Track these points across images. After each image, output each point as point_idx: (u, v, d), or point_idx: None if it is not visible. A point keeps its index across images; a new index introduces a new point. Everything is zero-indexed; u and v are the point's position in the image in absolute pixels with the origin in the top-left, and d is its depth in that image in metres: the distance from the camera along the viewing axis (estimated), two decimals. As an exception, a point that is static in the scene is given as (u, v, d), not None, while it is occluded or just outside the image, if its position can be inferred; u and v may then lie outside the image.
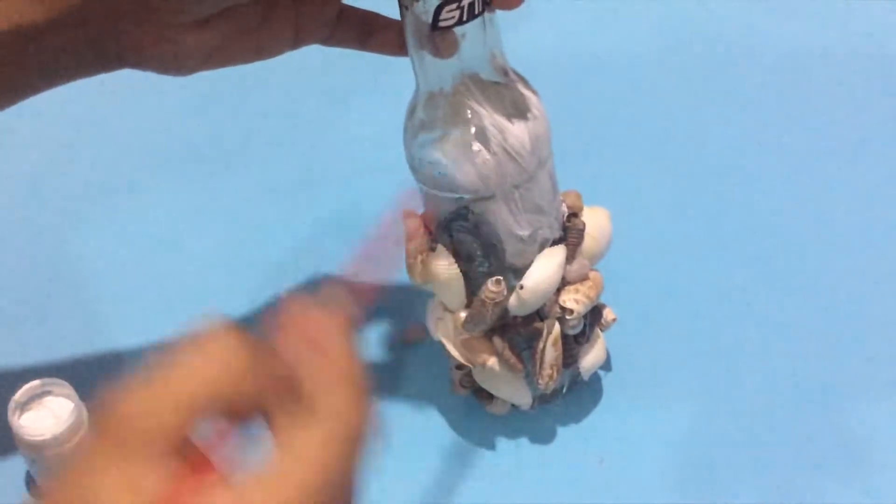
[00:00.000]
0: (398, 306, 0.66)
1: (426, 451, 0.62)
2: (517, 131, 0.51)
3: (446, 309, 0.58)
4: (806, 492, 0.59)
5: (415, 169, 0.54)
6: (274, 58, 0.54)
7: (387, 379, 0.64)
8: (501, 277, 0.55)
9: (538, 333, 0.57)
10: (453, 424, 0.63)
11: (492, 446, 0.61)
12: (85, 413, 0.58)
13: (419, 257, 0.55)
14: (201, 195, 0.75)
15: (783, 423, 0.61)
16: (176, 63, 0.52)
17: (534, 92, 0.53)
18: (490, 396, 0.61)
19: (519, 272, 0.55)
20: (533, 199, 0.53)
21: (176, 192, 0.75)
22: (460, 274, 0.56)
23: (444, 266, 0.55)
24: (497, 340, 0.57)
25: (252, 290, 0.68)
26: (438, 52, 0.49)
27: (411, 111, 0.53)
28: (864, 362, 0.64)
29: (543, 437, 0.62)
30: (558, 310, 0.57)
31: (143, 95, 0.80)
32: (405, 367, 0.65)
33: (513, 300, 0.55)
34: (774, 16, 0.84)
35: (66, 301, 0.69)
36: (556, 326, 0.57)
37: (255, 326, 0.65)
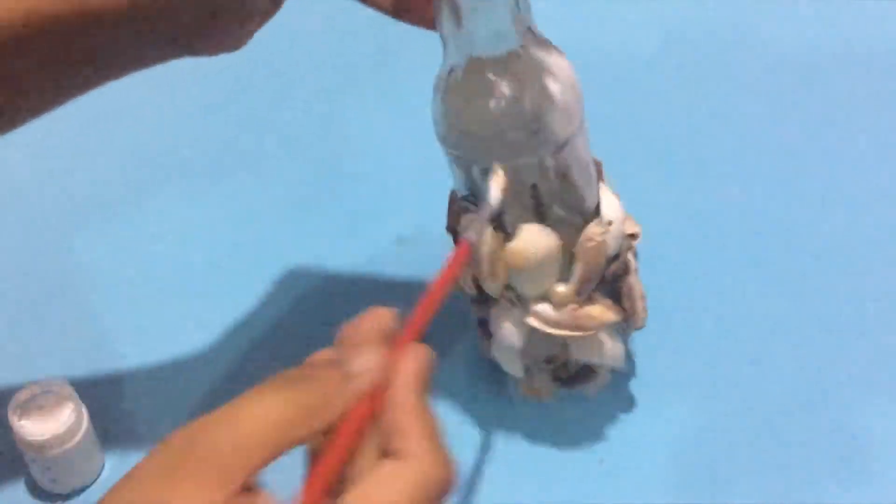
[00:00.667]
0: (397, 306, 0.65)
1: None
2: (554, 89, 0.51)
3: (529, 301, 0.55)
4: (806, 492, 0.58)
5: (448, 139, 0.52)
6: None
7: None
8: (599, 219, 0.54)
9: (621, 272, 0.56)
10: (452, 424, 0.62)
11: (491, 446, 0.61)
12: (85, 413, 0.58)
13: (496, 255, 0.53)
14: (205, 200, 0.75)
15: (783, 423, 0.61)
16: (235, 46, 0.51)
17: (563, 58, 0.52)
18: (588, 377, 0.59)
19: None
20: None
21: (179, 197, 0.75)
22: (559, 242, 0.54)
23: (540, 240, 0.53)
24: (599, 297, 0.56)
25: (257, 296, 0.68)
26: None
27: (442, 80, 0.52)
28: (864, 362, 0.63)
29: (543, 437, 0.62)
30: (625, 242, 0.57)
31: (147, 100, 0.80)
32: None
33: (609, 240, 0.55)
34: (774, 15, 0.84)
35: (67, 302, 0.69)
36: (630, 258, 0.57)
37: (258, 330, 0.65)
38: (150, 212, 0.75)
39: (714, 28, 0.84)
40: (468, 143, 0.51)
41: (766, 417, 0.61)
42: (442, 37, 0.51)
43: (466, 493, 0.59)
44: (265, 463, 0.33)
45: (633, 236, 0.57)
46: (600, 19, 0.85)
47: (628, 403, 0.62)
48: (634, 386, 0.63)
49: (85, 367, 0.65)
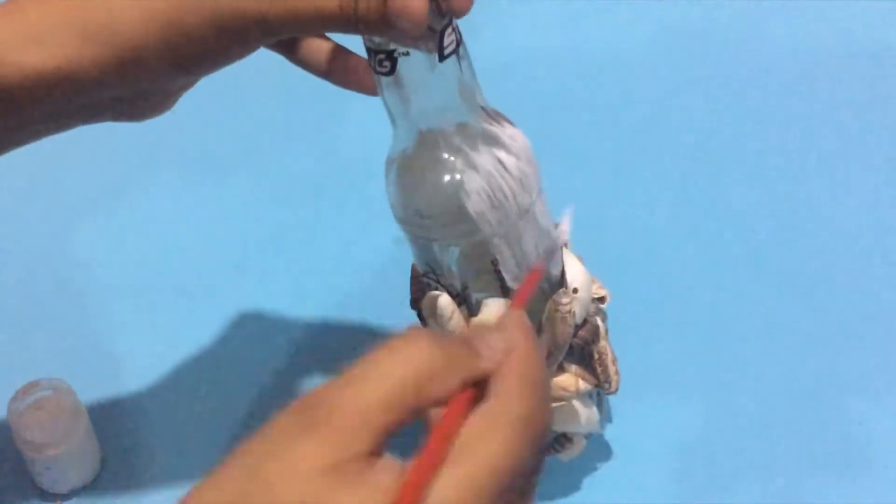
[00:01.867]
0: (395, 306, 0.65)
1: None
2: (505, 175, 0.49)
3: None
4: (806, 492, 0.58)
5: (405, 218, 0.51)
6: None
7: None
8: (564, 288, 0.53)
9: (590, 338, 0.55)
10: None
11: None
12: (84, 412, 0.58)
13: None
14: (204, 200, 0.75)
15: (783, 422, 0.61)
16: (157, 115, 0.51)
17: (516, 129, 0.51)
18: (563, 445, 0.58)
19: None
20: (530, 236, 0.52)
21: (178, 192, 0.75)
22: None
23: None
24: (569, 365, 0.55)
25: (256, 295, 0.68)
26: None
27: (394, 158, 0.51)
28: (864, 362, 0.63)
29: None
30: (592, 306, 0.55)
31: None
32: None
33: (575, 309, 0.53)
34: (772, 15, 0.84)
35: (67, 302, 0.69)
36: (599, 322, 0.56)
37: (256, 328, 0.64)
38: (147, 211, 0.74)
39: (711, 28, 0.84)
40: (425, 221, 0.50)
41: (766, 417, 0.61)
42: (389, 115, 0.49)
43: None
44: (391, 424, 0.33)
45: (601, 300, 0.56)
46: (594, 18, 0.85)
47: (628, 403, 0.62)
48: (635, 386, 0.62)
49: (84, 366, 0.65)
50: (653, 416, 0.62)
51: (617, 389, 0.56)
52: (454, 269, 0.51)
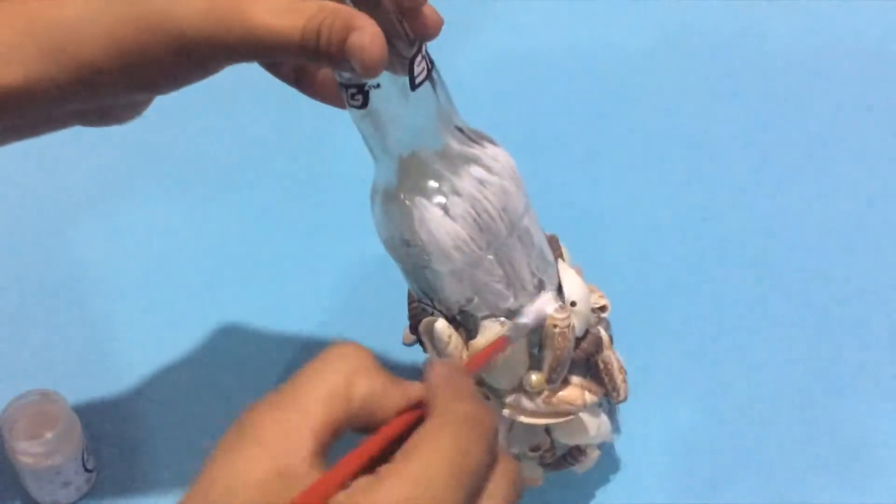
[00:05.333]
0: (395, 308, 0.65)
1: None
2: (488, 195, 0.49)
3: (503, 393, 0.53)
4: (806, 492, 0.58)
5: (393, 247, 0.50)
6: None
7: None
8: (561, 302, 0.52)
9: (593, 350, 0.54)
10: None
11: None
12: (77, 423, 0.58)
13: (461, 354, 0.51)
14: (203, 205, 0.74)
15: (783, 423, 0.61)
16: (126, 121, 0.51)
17: (498, 148, 0.50)
18: (577, 458, 0.57)
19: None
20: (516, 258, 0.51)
21: (176, 200, 0.74)
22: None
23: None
24: (575, 378, 0.54)
25: (252, 299, 0.68)
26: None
27: (377, 189, 0.49)
28: (864, 363, 0.64)
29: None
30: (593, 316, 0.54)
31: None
32: (403, 369, 0.65)
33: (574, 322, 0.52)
34: (773, 15, 0.84)
35: (60, 312, 0.68)
36: (602, 332, 0.55)
37: (252, 334, 0.65)
38: (145, 219, 0.74)
39: (712, 28, 0.84)
40: (412, 250, 0.49)
41: (766, 418, 0.62)
42: (367, 145, 0.48)
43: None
44: (330, 423, 0.35)
45: (602, 309, 0.54)
46: (596, 18, 0.85)
47: (628, 403, 0.62)
48: (634, 386, 0.62)
49: (76, 377, 0.64)
50: (653, 417, 0.62)
51: (626, 397, 0.56)
52: (447, 293, 0.50)
